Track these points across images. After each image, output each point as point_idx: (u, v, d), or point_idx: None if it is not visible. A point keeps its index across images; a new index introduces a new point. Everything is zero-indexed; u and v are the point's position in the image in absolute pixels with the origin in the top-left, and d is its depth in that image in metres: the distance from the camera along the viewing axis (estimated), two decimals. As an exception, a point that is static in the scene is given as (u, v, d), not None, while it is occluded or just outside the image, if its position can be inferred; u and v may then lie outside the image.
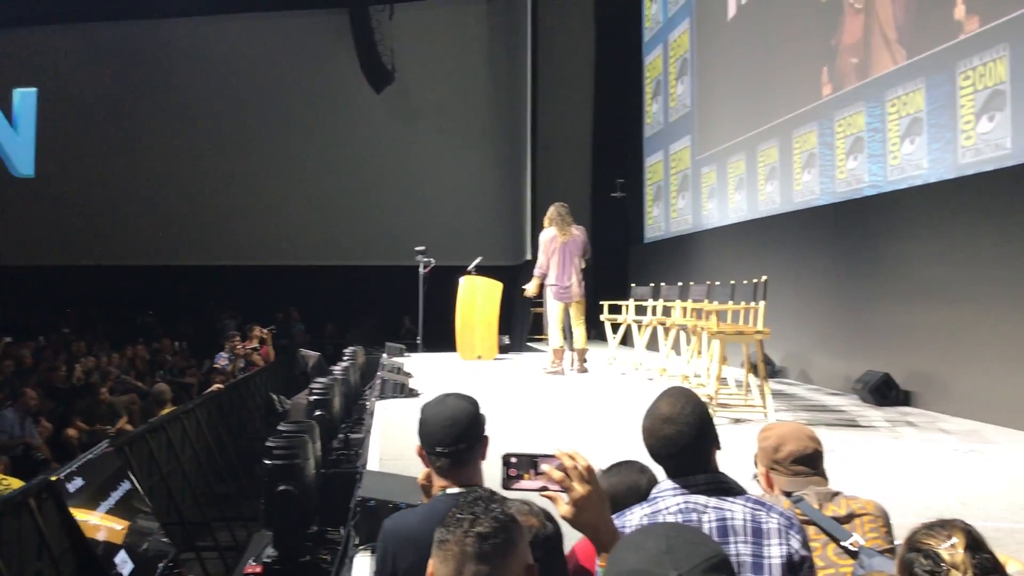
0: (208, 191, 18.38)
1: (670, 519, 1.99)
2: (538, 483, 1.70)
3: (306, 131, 18.36)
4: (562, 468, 1.69)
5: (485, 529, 1.46)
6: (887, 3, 7.24)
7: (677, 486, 2.06)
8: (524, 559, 1.51)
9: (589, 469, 1.70)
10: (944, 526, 1.79)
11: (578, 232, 8.93)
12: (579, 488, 1.68)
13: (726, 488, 2.07)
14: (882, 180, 7.31)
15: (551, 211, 9.03)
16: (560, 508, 1.70)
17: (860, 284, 7.62)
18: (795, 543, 2.00)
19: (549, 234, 8.91)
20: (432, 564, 1.48)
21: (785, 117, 9.01)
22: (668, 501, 2.03)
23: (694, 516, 2.00)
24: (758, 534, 2.00)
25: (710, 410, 2.17)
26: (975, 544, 1.73)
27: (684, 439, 2.05)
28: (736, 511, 2.02)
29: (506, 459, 1.71)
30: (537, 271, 9.08)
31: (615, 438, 4.49)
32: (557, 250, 8.84)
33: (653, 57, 13.59)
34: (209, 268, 18.23)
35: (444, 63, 18.11)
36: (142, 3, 17.56)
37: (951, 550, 1.69)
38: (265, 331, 12.46)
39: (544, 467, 1.69)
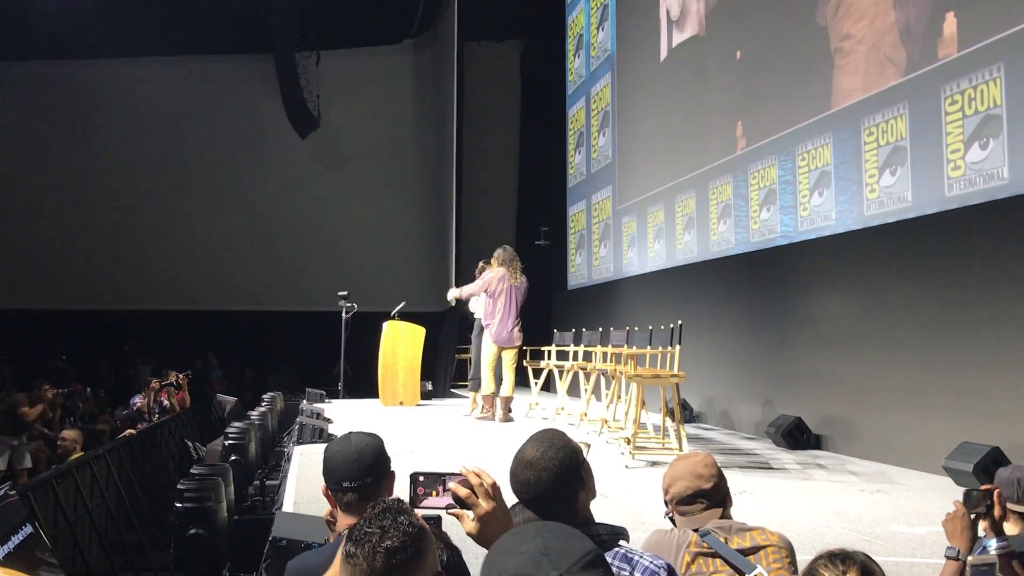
0: (127, 234, 17.96)
1: None
2: (444, 500, 1.72)
3: (230, 176, 18.15)
4: (467, 485, 1.70)
5: (394, 543, 1.45)
6: (788, 66, 7.57)
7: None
8: (433, 568, 1.51)
9: (494, 486, 1.72)
10: (843, 559, 1.85)
11: (524, 279, 8.92)
12: (484, 504, 1.69)
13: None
14: (793, 231, 7.58)
15: (502, 253, 8.91)
16: (465, 525, 1.71)
17: (773, 331, 7.84)
18: None
19: (499, 273, 8.78)
20: None
21: (702, 169, 9.29)
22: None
23: None
24: None
25: (584, 454, 2.04)
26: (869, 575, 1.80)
27: (543, 484, 1.94)
28: None
29: (414, 477, 1.73)
30: (465, 290, 9.04)
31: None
32: (504, 292, 8.71)
33: (576, 109, 13.90)
34: (126, 313, 17.74)
35: (370, 110, 18.19)
36: (63, 44, 17.24)
37: None
38: (181, 376, 12.15)
39: (451, 484, 1.71)
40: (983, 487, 2.61)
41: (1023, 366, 5.06)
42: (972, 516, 2.55)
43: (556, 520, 1.86)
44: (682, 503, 2.57)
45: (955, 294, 5.66)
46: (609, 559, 1.87)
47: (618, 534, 2.01)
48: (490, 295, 8.75)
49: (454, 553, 2.08)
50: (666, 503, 2.64)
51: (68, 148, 18.03)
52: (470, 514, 1.70)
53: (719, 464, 2.69)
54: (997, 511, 2.55)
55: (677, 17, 9.93)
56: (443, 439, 7.65)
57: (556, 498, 1.96)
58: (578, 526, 1.84)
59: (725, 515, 2.56)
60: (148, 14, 16.46)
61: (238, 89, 18.36)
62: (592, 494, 2.05)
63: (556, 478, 1.95)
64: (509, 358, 8.85)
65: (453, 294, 9.25)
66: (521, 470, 1.98)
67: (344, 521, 2.25)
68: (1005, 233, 5.29)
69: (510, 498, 1.87)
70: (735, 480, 5.31)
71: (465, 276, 10.40)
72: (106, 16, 16.08)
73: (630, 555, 1.99)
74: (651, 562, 1.97)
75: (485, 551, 1.76)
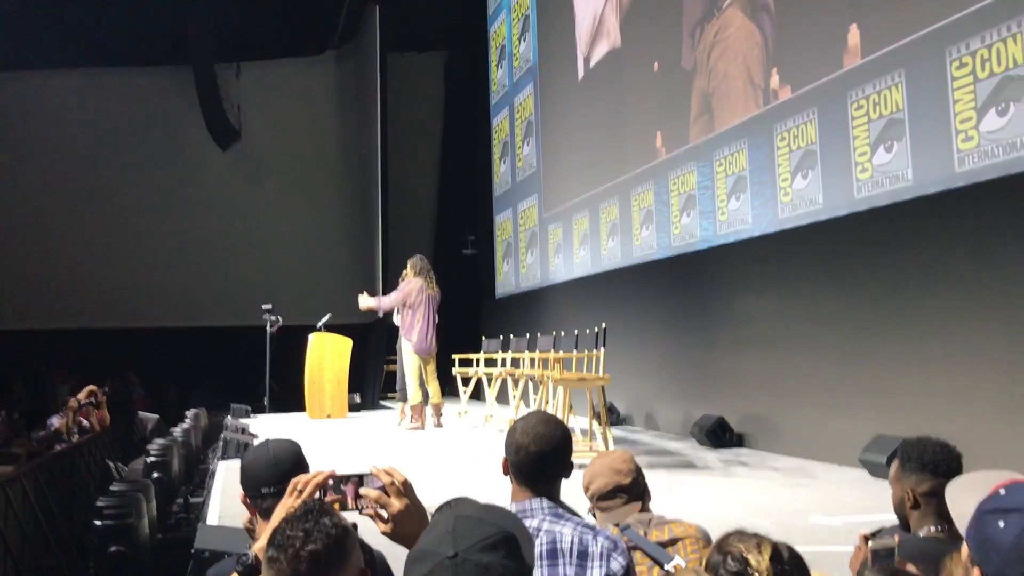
0: (40, 250, 17.39)
1: None
2: (355, 504, 1.71)
3: (148, 188, 17.72)
4: (380, 487, 1.71)
5: (318, 547, 1.44)
6: (717, 72, 7.76)
7: (515, 512, 2.12)
8: (357, 566, 1.51)
9: (406, 483, 1.72)
10: (755, 536, 1.92)
11: (438, 289, 8.97)
12: (396, 503, 1.69)
13: (559, 513, 2.16)
14: (712, 235, 7.76)
15: (417, 262, 8.94)
16: (379, 525, 1.72)
17: (695, 333, 8.00)
18: (615, 565, 2.09)
19: (417, 284, 8.80)
20: None
21: (625, 176, 9.44)
22: None
23: None
24: (583, 556, 2.09)
25: None
26: (780, 554, 1.86)
27: (556, 440, 2.22)
28: (565, 534, 2.11)
29: (322, 481, 1.73)
30: (385, 302, 9.00)
31: (479, 487, 4.53)
32: (423, 303, 8.75)
33: (500, 119, 13.98)
34: (41, 331, 17.19)
35: (292, 120, 17.99)
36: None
37: (757, 555, 1.81)
38: (99, 392, 11.81)
39: (362, 488, 1.71)
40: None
41: (932, 361, 5.27)
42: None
43: (545, 486, 2.19)
44: (602, 499, 2.63)
45: (867, 293, 5.86)
46: (572, 525, 2.13)
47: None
48: (409, 306, 8.76)
49: (368, 552, 2.09)
50: (588, 500, 2.70)
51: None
52: (384, 514, 1.70)
53: (644, 464, 2.76)
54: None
55: (594, 29, 10.09)
56: (374, 449, 7.62)
57: (551, 472, 2.22)
58: (549, 504, 2.17)
59: (644, 509, 2.62)
60: (62, 25, 16.00)
61: (157, 101, 17.97)
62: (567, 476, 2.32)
63: (564, 442, 2.24)
64: (431, 367, 8.90)
65: (367, 304, 9.12)
66: (538, 426, 2.23)
67: (263, 527, 2.23)
68: (911, 233, 5.51)
69: (425, 499, 1.89)
70: (660, 479, 5.42)
71: (390, 286, 10.35)
72: (19, 27, 15.60)
73: (593, 525, 2.24)
74: (608, 533, 2.19)
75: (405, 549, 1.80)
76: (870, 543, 2.36)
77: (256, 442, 7.09)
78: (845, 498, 4.87)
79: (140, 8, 16.14)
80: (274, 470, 2.21)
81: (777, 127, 6.78)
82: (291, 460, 2.25)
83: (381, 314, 9.15)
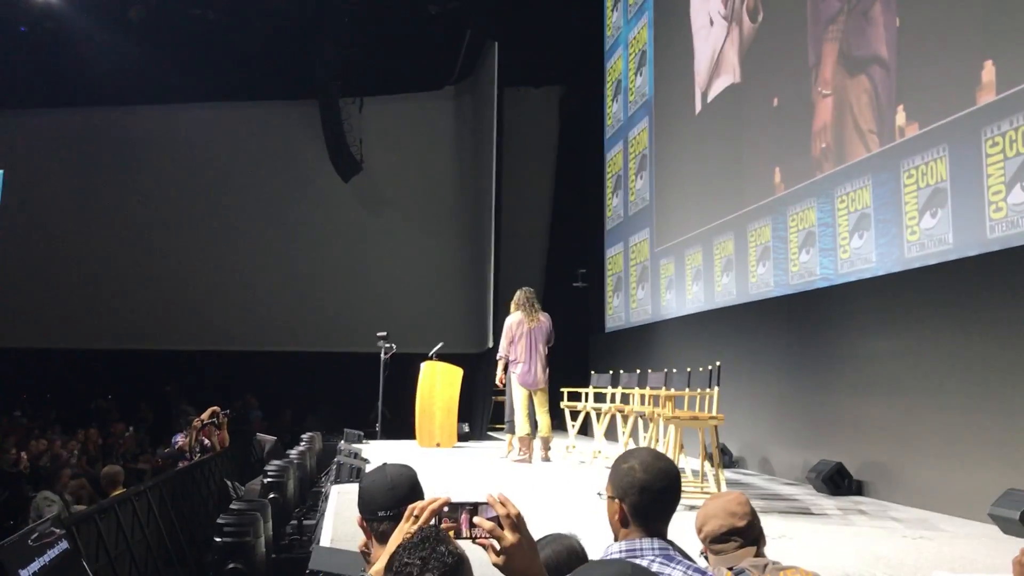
0: (171, 277, 18.31)
1: None
2: (469, 532, 1.72)
3: (272, 218, 18.48)
4: (493, 516, 1.71)
5: (434, 575, 1.46)
6: (835, 106, 7.59)
7: (624, 550, 2.11)
8: None
9: (519, 516, 1.72)
10: None
11: (544, 319, 9.00)
12: (509, 536, 1.69)
13: (670, 555, 2.13)
14: (833, 273, 7.53)
15: (519, 295, 9.05)
16: (491, 556, 1.72)
17: (813, 374, 7.76)
18: None
19: (515, 318, 8.91)
20: None
21: (740, 212, 9.28)
22: None
23: None
24: None
25: None
26: None
27: (673, 479, 2.22)
28: None
29: (438, 508, 1.75)
30: (500, 357, 9.06)
31: (579, 521, 4.50)
32: (524, 335, 8.83)
33: (614, 153, 13.98)
34: (168, 353, 18.03)
35: (411, 154, 18.46)
36: (111, 91, 17.78)
37: None
38: (222, 413, 12.28)
39: (476, 516, 1.72)
40: None
41: (1070, 411, 4.96)
42: None
43: (659, 524, 2.18)
44: (716, 541, 2.57)
45: (997, 337, 5.57)
46: (682, 569, 2.10)
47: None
48: (511, 340, 8.84)
49: None
50: (701, 542, 2.65)
51: (111, 193, 18.52)
52: (496, 544, 1.70)
53: (758, 508, 2.69)
54: None
55: (713, 64, 10.01)
56: (480, 480, 7.65)
57: (676, 499, 2.24)
58: (660, 544, 2.15)
59: (759, 554, 2.56)
60: (192, 60, 16.92)
61: (282, 134, 18.76)
62: None
63: (679, 479, 2.25)
64: (540, 399, 8.89)
65: (500, 375, 9.15)
66: (657, 462, 2.23)
67: (379, 552, 2.28)
68: (1049, 276, 5.23)
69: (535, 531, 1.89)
70: (774, 525, 5.25)
71: (500, 316, 10.41)
72: (150, 63, 16.55)
73: (705, 570, 2.23)
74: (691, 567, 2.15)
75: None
76: None
77: (372, 467, 7.25)
78: (973, 554, 4.61)
79: (271, 45, 16.91)
80: (391, 494, 2.26)
81: (904, 164, 6.56)
82: (408, 485, 2.29)
83: (509, 357, 9.08)
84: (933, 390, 6.14)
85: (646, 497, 2.16)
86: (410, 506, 1.80)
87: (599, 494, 2.31)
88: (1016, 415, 5.37)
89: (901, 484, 6.42)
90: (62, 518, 5.51)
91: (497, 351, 9.20)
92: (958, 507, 5.73)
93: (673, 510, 2.23)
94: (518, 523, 1.71)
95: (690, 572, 2.10)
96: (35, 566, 4.57)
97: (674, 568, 2.09)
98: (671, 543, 2.18)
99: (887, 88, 6.82)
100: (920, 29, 6.47)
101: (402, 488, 2.28)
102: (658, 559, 2.11)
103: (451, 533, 1.70)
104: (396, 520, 2.26)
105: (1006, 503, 5.04)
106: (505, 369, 9.03)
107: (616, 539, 2.21)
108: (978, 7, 5.91)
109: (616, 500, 2.19)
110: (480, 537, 1.72)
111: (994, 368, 5.58)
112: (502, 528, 1.70)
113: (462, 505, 1.74)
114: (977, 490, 5.43)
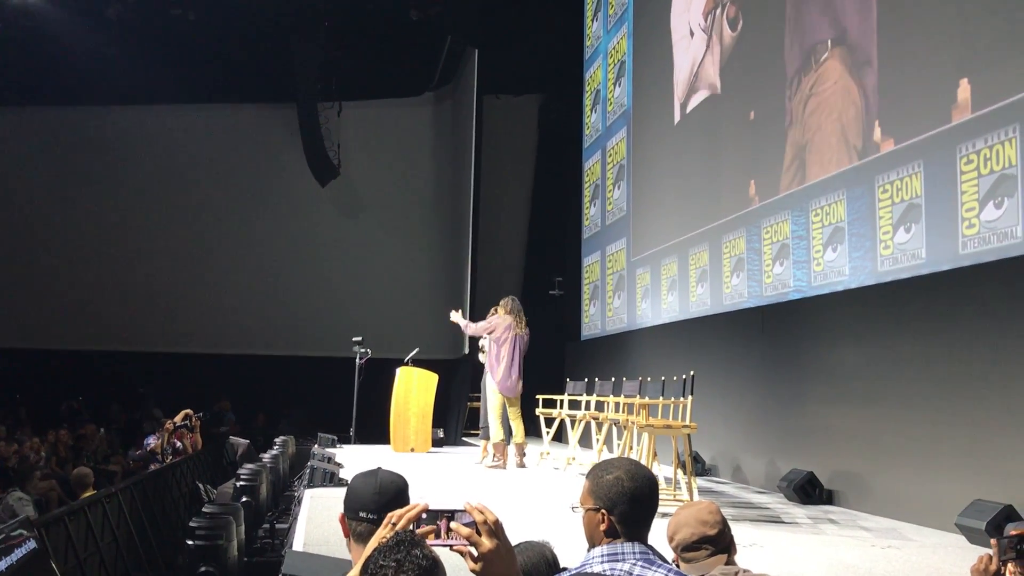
0: (145, 278, 18.18)
1: None
2: (446, 538, 1.71)
3: (248, 221, 18.39)
4: (471, 523, 1.71)
5: None
6: (811, 121, 7.68)
7: (607, 554, 2.14)
8: None
9: (497, 523, 1.72)
10: None
11: (527, 331, 9.04)
12: (487, 542, 1.68)
13: (651, 559, 2.15)
14: (806, 285, 7.62)
15: (509, 303, 9.04)
16: (468, 563, 1.72)
17: (786, 384, 7.84)
18: None
19: (506, 320, 8.91)
20: None
21: (716, 223, 9.37)
22: (595, 568, 2.11)
23: None
24: None
25: None
26: None
27: (654, 504, 2.23)
28: None
29: (416, 516, 1.75)
30: (472, 326, 9.09)
31: (553, 529, 4.52)
32: (509, 340, 8.83)
33: (592, 162, 14.06)
34: (141, 355, 17.88)
35: (389, 159, 18.44)
36: (87, 91, 17.64)
37: None
38: (194, 416, 12.20)
39: (453, 522, 1.71)
40: (1013, 532, 2.60)
41: (1036, 424, 5.05)
42: (1001, 562, 2.55)
43: (640, 529, 2.18)
44: (687, 550, 2.60)
45: (967, 351, 5.67)
46: (664, 572, 2.12)
47: None
48: (495, 340, 8.84)
49: None
50: (673, 550, 2.67)
51: (90, 193, 18.36)
52: (474, 551, 1.70)
53: (730, 517, 2.72)
54: None
55: (692, 76, 10.10)
56: (454, 485, 7.65)
57: (656, 505, 2.26)
58: (641, 549, 2.16)
59: (730, 562, 2.59)
60: (171, 61, 16.81)
61: (260, 137, 18.69)
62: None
63: (655, 502, 2.26)
64: (514, 407, 8.92)
65: (456, 319, 9.27)
66: (640, 469, 2.24)
67: (354, 550, 2.29)
68: (1017, 291, 5.32)
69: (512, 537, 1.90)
70: (745, 533, 5.30)
71: (477, 321, 10.43)
72: (133, 64, 16.43)
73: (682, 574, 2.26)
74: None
75: None
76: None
77: (348, 472, 7.23)
78: (940, 563, 4.68)
79: (250, 48, 16.85)
80: (376, 498, 2.27)
81: (879, 179, 6.65)
82: (395, 492, 2.30)
83: (468, 334, 9.17)
84: (903, 402, 6.23)
85: (636, 506, 2.18)
86: (389, 514, 1.81)
87: (573, 508, 2.29)
88: (983, 427, 5.46)
89: (871, 494, 6.50)
90: (31, 519, 5.46)
91: (476, 357, 9.20)
92: (926, 517, 5.81)
93: (654, 515, 2.26)
94: (496, 530, 1.71)
95: (671, 575, 2.13)
96: (1, 566, 4.53)
97: (655, 571, 2.11)
98: (651, 547, 2.20)
99: (863, 104, 6.92)
100: (897, 46, 6.58)
101: (388, 494, 2.29)
102: (639, 563, 2.13)
103: (428, 539, 1.70)
104: (377, 524, 2.27)
105: (972, 513, 5.12)
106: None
107: (597, 543, 2.23)
108: (955, 26, 6.01)
109: (602, 511, 2.19)
110: (458, 544, 1.71)
111: (963, 381, 5.67)
112: (479, 534, 1.70)
113: (440, 512, 1.75)
114: (945, 500, 5.51)
